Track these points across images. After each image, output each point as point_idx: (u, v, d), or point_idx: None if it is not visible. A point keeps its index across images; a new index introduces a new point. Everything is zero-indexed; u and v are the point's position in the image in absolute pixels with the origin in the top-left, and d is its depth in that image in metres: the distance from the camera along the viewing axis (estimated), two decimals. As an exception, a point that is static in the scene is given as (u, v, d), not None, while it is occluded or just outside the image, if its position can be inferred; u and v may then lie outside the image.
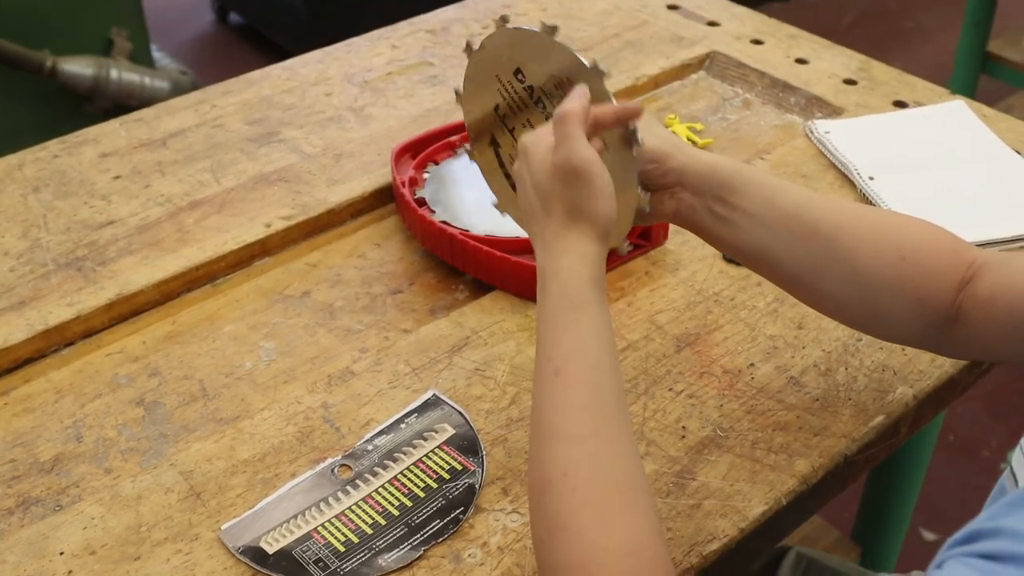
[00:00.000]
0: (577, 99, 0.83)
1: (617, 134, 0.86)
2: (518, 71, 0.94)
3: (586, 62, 0.87)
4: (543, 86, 0.92)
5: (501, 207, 1.04)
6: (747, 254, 0.93)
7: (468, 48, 0.97)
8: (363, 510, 0.92)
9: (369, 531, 0.90)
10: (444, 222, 1.19)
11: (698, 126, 1.44)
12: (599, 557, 0.69)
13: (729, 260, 1.19)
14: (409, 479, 0.94)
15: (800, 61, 1.56)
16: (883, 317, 0.91)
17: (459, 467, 0.95)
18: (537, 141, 0.84)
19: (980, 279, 0.87)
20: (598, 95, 0.86)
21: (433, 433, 0.99)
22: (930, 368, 1.06)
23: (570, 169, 0.80)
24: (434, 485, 0.94)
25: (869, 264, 0.88)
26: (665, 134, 0.91)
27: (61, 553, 0.89)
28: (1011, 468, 0.75)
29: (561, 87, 0.90)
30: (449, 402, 1.02)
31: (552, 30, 0.89)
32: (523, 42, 0.92)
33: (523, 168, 0.86)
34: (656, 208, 0.91)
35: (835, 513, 2.10)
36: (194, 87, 3.01)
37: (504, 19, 0.93)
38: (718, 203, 0.90)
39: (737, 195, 0.90)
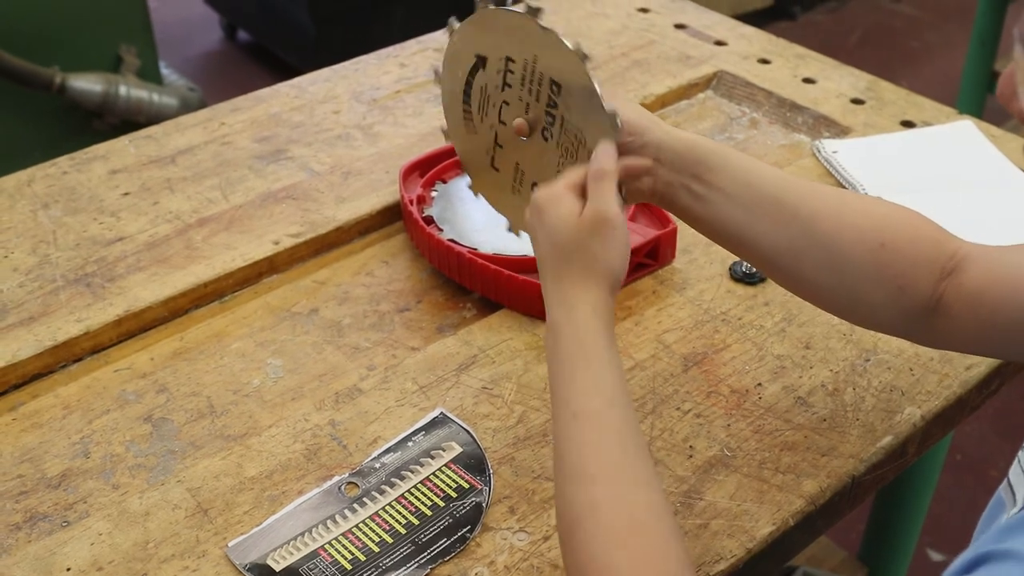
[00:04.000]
0: (609, 157, 0.85)
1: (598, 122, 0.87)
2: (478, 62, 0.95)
3: (569, 45, 0.87)
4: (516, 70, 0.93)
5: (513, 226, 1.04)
6: (724, 235, 0.92)
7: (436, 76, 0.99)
8: (370, 528, 0.92)
9: (376, 549, 0.90)
10: (452, 240, 1.19)
11: (706, 145, 1.44)
12: None
13: (737, 279, 1.19)
14: (416, 497, 0.94)
15: (807, 81, 1.57)
16: (862, 304, 0.90)
17: (466, 485, 0.95)
18: (557, 197, 0.85)
19: (964, 271, 0.86)
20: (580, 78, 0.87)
21: (440, 451, 0.99)
22: (938, 388, 1.06)
23: (602, 222, 0.83)
24: (441, 503, 0.94)
25: (848, 250, 0.88)
26: (642, 110, 0.91)
27: (68, 569, 0.89)
28: (1008, 482, 0.74)
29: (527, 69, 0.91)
30: (456, 420, 1.02)
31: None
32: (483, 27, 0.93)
33: (537, 222, 0.87)
34: (632, 186, 0.91)
35: (842, 533, 2.10)
36: (202, 104, 3.02)
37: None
38: (695, 181, 0.89)
39: (714, 173, 0.89)
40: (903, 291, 0.87)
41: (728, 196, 0.89)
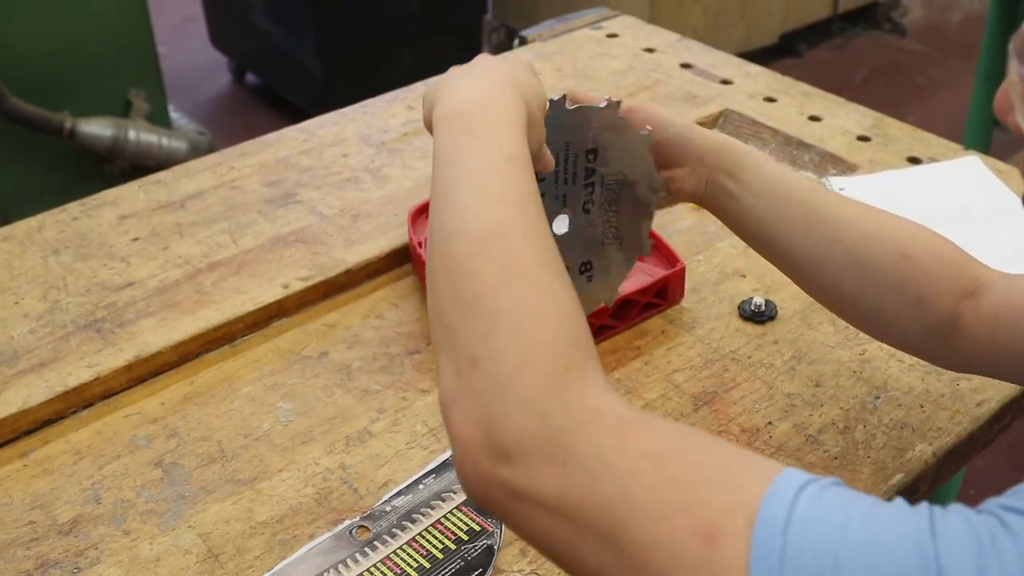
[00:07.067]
0: None
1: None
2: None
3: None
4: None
5: None
6: (752, 232, 0.96)
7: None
8: (381, 572, 0.91)
9: (387, 593, 0.90)
10: (461, 282, 1.19)
11: (713, 184, 1.45)
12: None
13: (746, 318, 1.19)
14: (427, 540, 0.94)
15: (814, 118, 1.57)
16: (881, 314, 0.92)
17: (477, 528, 0.95)
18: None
19: (984, 295, 0.88)
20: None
21: (451, 494, 0.98)
22: (949, 425, 1.06)
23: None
24: (452, 546, 0.93)
25: (871, 258, 0.90)
26: (684, 119, 0.98)
27: (79, 617, 0.89)
28: None
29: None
30: (467, 462, 1.02)
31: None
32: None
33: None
34: (679, 186, 0.97)
35: (856, 571, 2.08)
36: (211, 147, 3.05)
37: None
38: (729, 179, 0.95)
39: (747, 172, 0.95)
40: (922, 303, 0.89)
41: (757, 196, 0.94)
